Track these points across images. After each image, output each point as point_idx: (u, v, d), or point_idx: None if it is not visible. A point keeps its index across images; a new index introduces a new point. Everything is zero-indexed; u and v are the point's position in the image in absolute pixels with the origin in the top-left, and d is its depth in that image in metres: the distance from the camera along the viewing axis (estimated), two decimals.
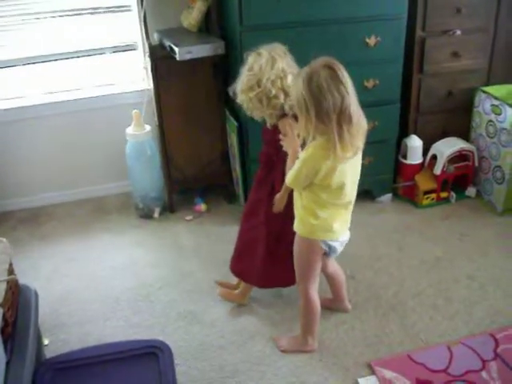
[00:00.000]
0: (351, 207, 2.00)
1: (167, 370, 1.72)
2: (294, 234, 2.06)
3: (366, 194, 3.21)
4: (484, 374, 2.05)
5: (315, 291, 2.13)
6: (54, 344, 2.26)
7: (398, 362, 2.10)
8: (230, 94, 2.21)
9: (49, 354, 2.03)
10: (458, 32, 2.99)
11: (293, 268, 2.13)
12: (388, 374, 2.05)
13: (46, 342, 2.24)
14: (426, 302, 2.44)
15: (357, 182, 1.99)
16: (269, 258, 2.27)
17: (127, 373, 1.75)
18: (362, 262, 2.73)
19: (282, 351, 2.19)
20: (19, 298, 1.80)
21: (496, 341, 2.19)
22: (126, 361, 1.77)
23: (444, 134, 3.22)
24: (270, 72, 2.04)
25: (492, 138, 3.06)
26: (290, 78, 2.04)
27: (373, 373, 2.07)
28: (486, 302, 2.43)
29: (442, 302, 2.43)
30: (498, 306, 2.40)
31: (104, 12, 3.10)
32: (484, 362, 2.10)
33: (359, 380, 2.04)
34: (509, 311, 2.36)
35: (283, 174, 2.03)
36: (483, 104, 3.11)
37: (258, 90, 2.05)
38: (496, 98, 3.01)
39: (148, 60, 2.95)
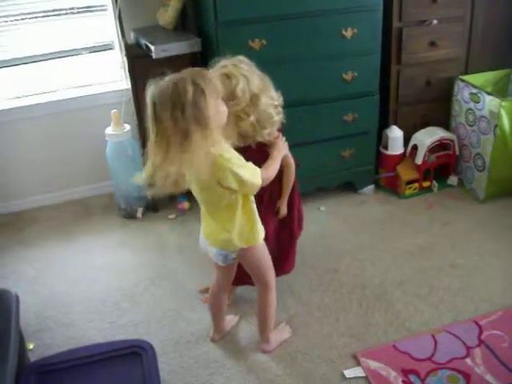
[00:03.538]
0: (207, 216, 1.93)
1: (151, 368, 1.73)
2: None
3: (348, 186, 3.23)
4: (469, 360, 2.06)
5: (212, 286, 2.18)
6: (39, 348, 2.25)
7: (383, 352, 2.11)
8: None
9: (34, 358, 2.02)
10: (435, 21, 3.00)
11: (291, 252, 2.35)
12: (373, 364, 2.06)
13: (30, 346, 2.23)
14: (410, 291, 2.45)
15: (204, 199, 1.87)
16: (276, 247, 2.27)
17: (111, 373, 1.75)
18: (345, 253, 2.74)
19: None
20: None
21: (480, 327, 2.21)
22: (110, 361, 1.77)
23: (424, 124, 3.23)
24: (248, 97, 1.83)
25: (472, 126, 3.07)
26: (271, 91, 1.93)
27: (358, 364, 2.07)
28: (469, 289, 2.45)
29: (425, 291, 2.45)
30: (482, 292, 2.42)
31: (79, 12, 3.07)
32: (468, 348, 2.12)
33: (345, 372, 2.04)
34: (492, 298, 2.38)
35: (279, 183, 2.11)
36: (462, 92, 3.12)
37: (251, 120, 1.87)
38: (474, 87, 3.02)
39: (125, 59, 2.93)
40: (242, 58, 1.89)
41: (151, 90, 1.62)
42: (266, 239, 1.99)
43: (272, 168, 1.90)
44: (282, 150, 1.98)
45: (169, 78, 1.61)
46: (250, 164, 1.75)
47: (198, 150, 1.60)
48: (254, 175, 1.75)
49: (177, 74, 1.62)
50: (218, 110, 1.65)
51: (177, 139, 1.59)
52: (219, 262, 1.99)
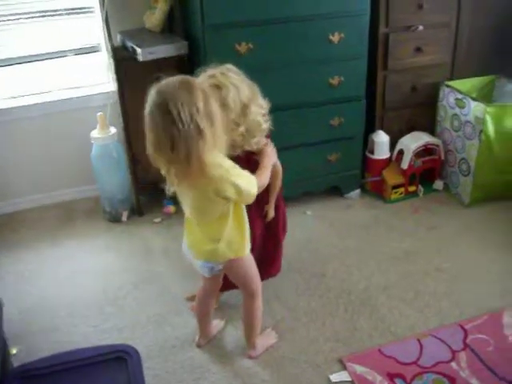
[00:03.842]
0: (192, 225, 1.92)
1: (136, 373, 1.70)
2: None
3: (334, 190, 3.23)
4: (454, 364, 2.07)
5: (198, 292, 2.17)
6: (23, 353, 2.22)
7: (369, 357, 2.11)
8: None
9: (17, 362, 1.99)
10: (421, 27, 3.02)
11: (278, 255, 2.33)
12: (359, 368, 2.06)
13: (13, 351, 2.20)
14: (395, 295, 2.46)
15: (197, 208, 1.83)
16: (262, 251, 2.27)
17: (96, 378, 1.73)
18: (331, 258, 2.74)
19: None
20: None
21: (465, 331, 2.22)
22: (94, 367, 1.75)
23: (410, 129, 3.25)
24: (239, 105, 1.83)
25: (457, 131, 3.09)
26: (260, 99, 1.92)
27: (344, 368, 2.07)
28: (454, 293, 2.46)
29: (411, 295, 2.45)
30: (467, 297, 2.43)
31: (66, 14, 3.05)
32: (454, 352, 2.12)
33: (330, 376, 2.04)
34: (477, 302, 2.39)
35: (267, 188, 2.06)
36: (447, 98, 3.14)
37: (241, 130, 1.87)
38: (460, 92, 3.04)
39: (111, 61, 2.92)
40: (229, 66, 1.87)
41: (157, 93, 1.59)
42: (253, 243, 1.99)
43: (264, 176, 1.90)
44: (271, 157, 1.98)
45: (173, 81, 1.60)
46: (246, 172, 1.75)
47: (208, 148, 1.60)
48: (251, 184, 1.75)
49: (175, 79, 1.61)
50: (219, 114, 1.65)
51: (188, 138, 1.57)
52: (205, 274, 1.98)
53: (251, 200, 1.79)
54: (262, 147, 1.96)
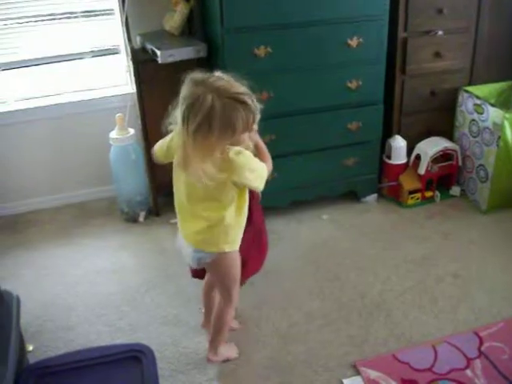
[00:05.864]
0: (183, 215, 1.93)
1: (150, 373, 1.72)
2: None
3: (350, 194, 3.23)
4: (468, 371, 2.06)
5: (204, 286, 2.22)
6: (38, 350, 2.24)
7: (383, 362, 2.11)
8: None
9: (33, 360, 2.01)
10: (440, 32, 3.01)
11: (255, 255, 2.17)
12: (373, 374, 2.06)
13: (29, 348, 2.22)
14: (410, 301, 2.45)
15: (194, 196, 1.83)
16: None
17: (110, 377, 1.74)
18: (347, 261, 2.74)
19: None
20: (0, 303, 1.79)
21: (480, 339, 2.20)
22: (109, 365, 1.77)
23: (428, 134, 3.23)
24: None
25: (475, 137, 3.08)
26: None
27: (358, 373, 2.07)
28: (470, 300, 2.44)
29: (426, 301, 2.44)
30: (482, 304, 2.41)
31: (86, 16, 3.08)
32: (468, 360, 2.11)
33: (344, 381, 2.04)
34: (493, 309, 2.38)
35: None
36: (466, 103, 3.13)
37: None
38: (478, 98, 3.03)
39: (131, 63, 2.94)
40: (219, 73, 1.83)
41: (188, 90, 1.66)
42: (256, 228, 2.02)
43: (269, 160, 1.92)
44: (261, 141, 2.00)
45: (203, 89, 1.64)
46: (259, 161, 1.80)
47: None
48: (264, 170, 1.80)
49: (211, 85, 1.65)
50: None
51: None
52: (193, 265, 1.97)
53: (262, 186, 1.81)
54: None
